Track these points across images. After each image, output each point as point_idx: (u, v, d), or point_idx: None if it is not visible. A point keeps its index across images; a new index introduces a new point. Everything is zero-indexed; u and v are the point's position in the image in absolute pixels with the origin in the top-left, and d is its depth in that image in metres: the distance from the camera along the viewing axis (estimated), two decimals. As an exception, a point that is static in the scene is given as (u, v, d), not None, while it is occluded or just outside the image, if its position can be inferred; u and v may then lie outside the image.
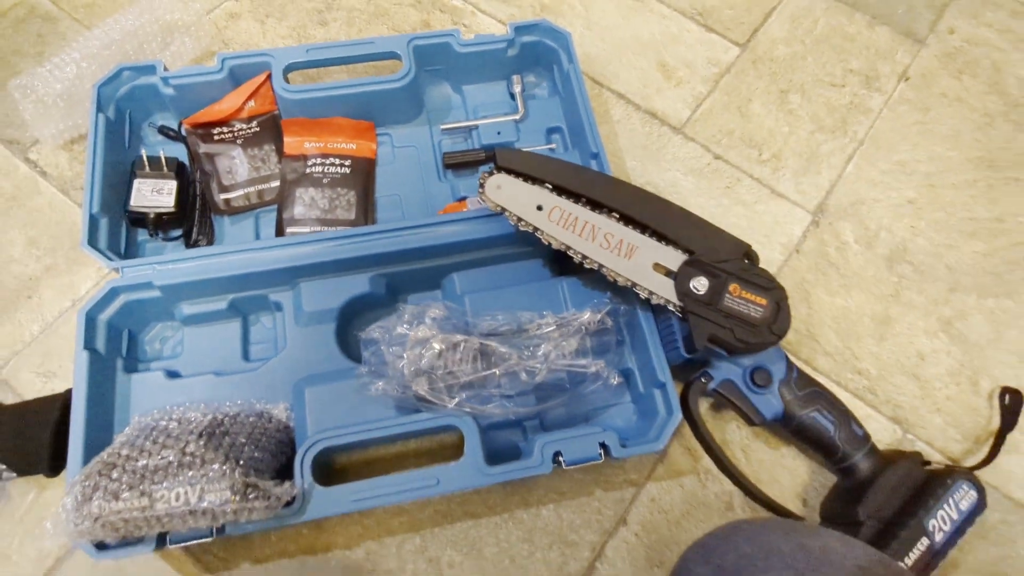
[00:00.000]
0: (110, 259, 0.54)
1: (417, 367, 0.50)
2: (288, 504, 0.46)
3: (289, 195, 0.62)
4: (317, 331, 0.55)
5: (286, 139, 0.63)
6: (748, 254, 0.51)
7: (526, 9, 0.77)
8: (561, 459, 0.49)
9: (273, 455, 0.49)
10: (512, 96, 0.68)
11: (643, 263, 0.51)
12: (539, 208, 0.52)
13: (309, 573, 0.52)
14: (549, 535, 0.54)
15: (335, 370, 0.53)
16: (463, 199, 0.63)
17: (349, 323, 0.57)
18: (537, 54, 0.67)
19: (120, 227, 0.58)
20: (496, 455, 0.50)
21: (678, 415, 0.51)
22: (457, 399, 0.51)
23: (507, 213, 0.52)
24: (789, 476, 0.57)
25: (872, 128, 0.73)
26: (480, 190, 0.53)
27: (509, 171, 0.52)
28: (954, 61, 0.77)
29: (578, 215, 0.51)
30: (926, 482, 0.50)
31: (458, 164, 0.65)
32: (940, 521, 0.48)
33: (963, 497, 0.49)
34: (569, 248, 0.51)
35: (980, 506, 0.50)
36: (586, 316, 0.53)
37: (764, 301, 0.49)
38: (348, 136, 0.64)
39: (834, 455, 0.53)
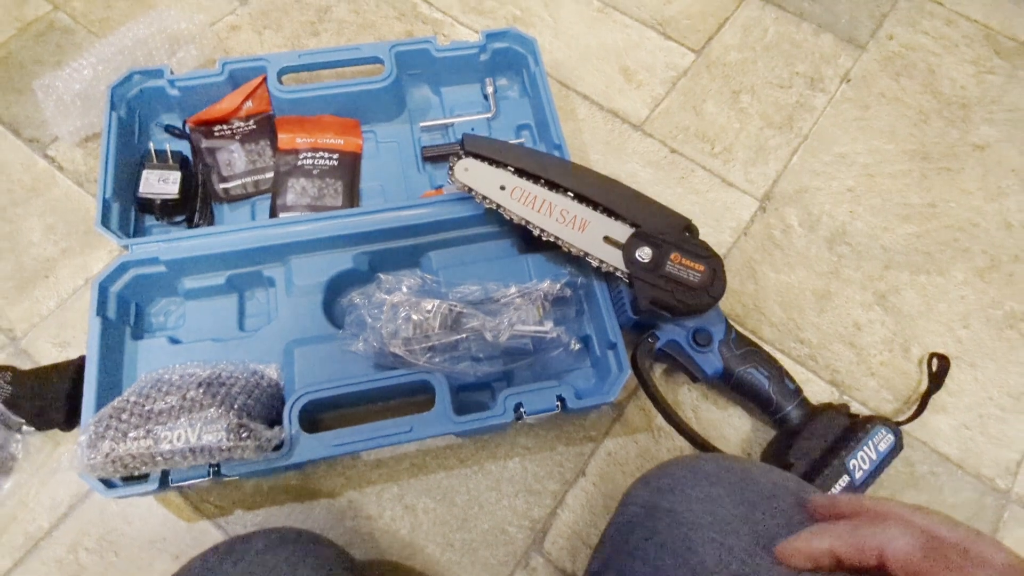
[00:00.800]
0: (120, 237, 0.60)
1: (394, 328, 0.56)
2: (277, 448, 0.52)
3: (282, 184, 0.69)
4: (306, 302, 0.61)
5: (280, 135, 0.70)
6: (688, 227, 0.57)
7: (500, 20, 0.85)
8: (522, 410, 0.55)
9: (265, 408, 0.54)
10: (485, 97, 0.75)
11: (595, 236, 0.57)
12: (502, 188, 0.58)
13: (297, 517, 0.57)
14: (515, 485, 0.59)
15: (321, 335, 0.59)
16: (440, 187, 0.69)
17: (335, 296, 0.63)
18: (508, 59, 0.74)
19: (130, 212, 0.65)
20: (467, 411, 0.56)
21: (627, 371, 0.56)
22: (430, 359, 0.57)
23: (474, 193, 0.59)
24: (735, 432, 0.63)
25: (816, 124, 0.80)
26: (449, 172, 0.59)
27: (476, 155, 0.59)
28: (892, 64, 0.84)
29: (536, 194, 0.58)
30: (849, 428, 0.56)
31: (436, 157, 0.71)
32: (860, 461, 0.54)
33: (881, 440, 0.55)
34: (528, 223, 0.58)
35: (897, 448, 0.55)
36: (545, 285, 0.59)
37: (702, 268, 0.55)
38: (336, 132, 0.71)
39: (769, 407, 0.58)
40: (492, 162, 0.59)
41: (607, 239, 0.57)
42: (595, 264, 0.57)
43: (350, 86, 0.69)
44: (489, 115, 0.73)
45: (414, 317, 0.57)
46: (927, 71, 0.84)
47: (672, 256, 0.55)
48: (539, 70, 0.71)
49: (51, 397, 0.58)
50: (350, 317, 0.58)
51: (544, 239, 0.58)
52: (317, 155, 0.70)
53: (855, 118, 0.80)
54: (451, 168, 0.60)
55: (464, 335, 0.58)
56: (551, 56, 0.82)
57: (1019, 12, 0.88)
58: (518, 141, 0.73)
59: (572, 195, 0.58)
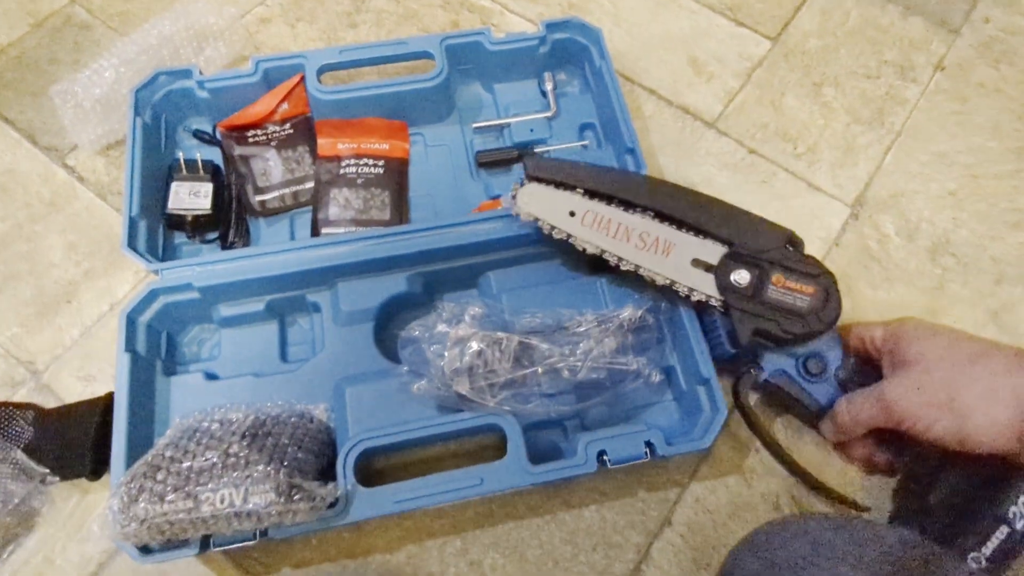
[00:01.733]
0: (149, 261, 0.54)
1: (458, 366, 0.50)
2: (331, 506, 0.46)
3: (324, 196, 0.62)
4: (355, 331, 0.55)
5: (319, 140, 0.63)
6: (792, 240, 0.49)
7: (554, 8, 0.77)
8: (606, 458, 0.48)
9: (315, 456, 0.48)
10: (544, 94, 0.67)
11: (681, 260, 0.50)
12: (572, 214, 0.51)
13: (350, 575, 0.51)
14: (592, 536, 0.53)
15: (374, 370, 0.53)
16: (497, 197, 0.63)
17: (387, 323, 0.57)
18: (568, 51, 0.67)
19: (158, 230, 0.59)
20: (538, 455, 0.49)
21: (723, 412, 0.50)
22: (498, 397, 0.50)
23: (540, 223, 0.52)
24: (838, 473, 0.55)
25: (909, 119, 0.71)
26: (512, 202, 0.53)
27: (539, 180, 0.52)
28: (991, 50, 0.75)
29: (611, 217, 0.51)
30: (1003, 467, 0.45)
31: (491, 163, 0.64)
32: (1021, 507, 0.42)
33: None
34: (604, 252, 0.51)
35: None
36: (626, 313, 0.53)
37: (811, 289, 0.48)
38: (381, 136, 0.64)
39: None
40: (559, 185, 0.52)
41: (696, 262, 0.50)
42: (683, 293, 0.50)
43: (396, 85, 0.62)
44: (549, 114, 0.66)
45: (478, 356, 0.51)
46: (1032, 57, 0.75)
47: (774, 279, 0.48)
48: (605, 63, 0.64)
49: (77, 441, 0.52)
50: (407, 351, 0.52)
51: (623, 268, 0.51)
52: (361, 162, 0.63)
53: (953, 112, 0.72)
54: (513, 196, 0.53)
55: (535, 368, 0.51)
56: (611, 47, 0.73)
57: None
58: (580, 144, 0.65)
59: (652, 214, 0.50)
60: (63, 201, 0.65)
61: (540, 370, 0.51)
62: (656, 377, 0.54)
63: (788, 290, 0.48)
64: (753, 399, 0.57)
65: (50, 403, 0.55)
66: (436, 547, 0.52)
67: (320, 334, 0.56)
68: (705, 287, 0.49)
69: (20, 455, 0.50)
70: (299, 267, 0.54)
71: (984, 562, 0.41)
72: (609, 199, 0.51)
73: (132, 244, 0.54)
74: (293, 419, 0.49)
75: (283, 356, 0.57)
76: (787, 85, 0.73)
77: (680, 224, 0.50)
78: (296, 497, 0.43)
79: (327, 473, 0.48)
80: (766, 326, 0.47)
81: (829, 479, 0.53)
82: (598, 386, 0.53)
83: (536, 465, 0.48)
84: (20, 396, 0.56)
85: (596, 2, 0.77)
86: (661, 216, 0.50)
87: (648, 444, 0.49)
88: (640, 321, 0.53)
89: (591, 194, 0.51)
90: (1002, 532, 0.42)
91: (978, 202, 0.67)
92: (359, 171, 0.63)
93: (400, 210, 0.62)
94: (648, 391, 0.55)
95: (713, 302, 0.49)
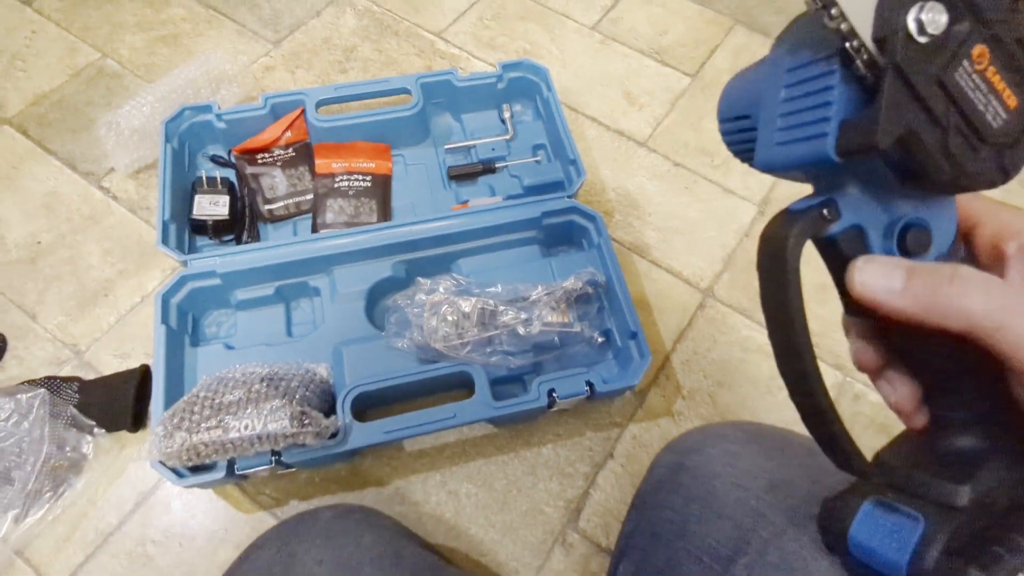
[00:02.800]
0: (180, 254, 0.66)
1: (434, 325, 0.62)
2: (333, 436, 0.56)
3: (321, 205, 0.75)
4: (349, 308, 0.67)
5: (317, 161, 0.77)
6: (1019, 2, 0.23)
7: (511, 54, 0.93)
8: (555, 395, 0.60)
9: (320, 400, 0.59)
10: (503, 121, 0.82)
11: None
12: None
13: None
14: (549, 469, 0.64)
15: (366, 335, 0.65)
16: (465, 202, 0.76)
17: (376, 302, 0.69)
18: (522, 87, 0.82)
19: (184, 233, 0.70)
20: (500, 400, 0.61)
21: (648, 356, 0.62)
22: (466, 351, 0.62)
23: None
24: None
25: (804, 136, 0.87)
26: None
27: None
28: (870, 81, 0.92)
29: None
30: None
31: (460, 176, 0.78)
32: None
33: None
34: None
35: None
36: (569, 282, 0.65)
37: (1015, 102, 0.23)
38: (368, 156, 0.78)
39: None
40: None
41: None
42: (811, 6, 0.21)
43: (381, 115, 0.76)
44: (507, 137, 0.80)
45: (450, 317, 0.63)
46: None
47: (977, 52, 0.22)
48: (552, 95, 0.78)
49: (118, 401, 0.62)
50: (393, 317, 0.64)
51: None
52: (352, 177, 0.76)
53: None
54: None
55: (498, 331, 0.63)
56: (560, 84, 0.89)
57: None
58: (533, 160, 0.79)
59: None
60: (100, 216, 0.77)
61: (500, 331, 0.63)
62: (599, 339, 0.67)
63: (986, 82, 0.22)
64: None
65: (91, 377, 0.66)
66: (420, 480, 0.63)
67: (320, 313, 0.68)
68: (858, 7, 0.21)
69: (72, 410, 0.60)
70: (303, 256, 0.66)
71: None
72: None
73: (165, 241, 0.66)
74: (301, 371, 0.60)
75: (289, 332, 0.68)
76: (704, 111, 0.88)
77: None
78: (306, 422, 0.54)
79: (328, 416, 0.59)
80: (929, 134, 0.22)
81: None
82: (550, 346, 0.66)
83: (499, 402, 0.59)
84: (64, 372, 0.67)
85: (546, 48, 0.93)
86: None
87: (588, 383, 0.61)
88: (581, 290, 0.66)
89: None
90: None
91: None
92: (350, 185, 0.76)
93: (385, 215, 0.75)
94: (592, 351, 0.67)
95: (856, 46, 0.21)
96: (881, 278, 0.25)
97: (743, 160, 0.28)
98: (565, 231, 0.73)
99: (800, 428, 0.27)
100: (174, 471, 0.55)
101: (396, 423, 0.58)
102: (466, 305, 0.62)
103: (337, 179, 0.76)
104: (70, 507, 0.60)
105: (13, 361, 0.67)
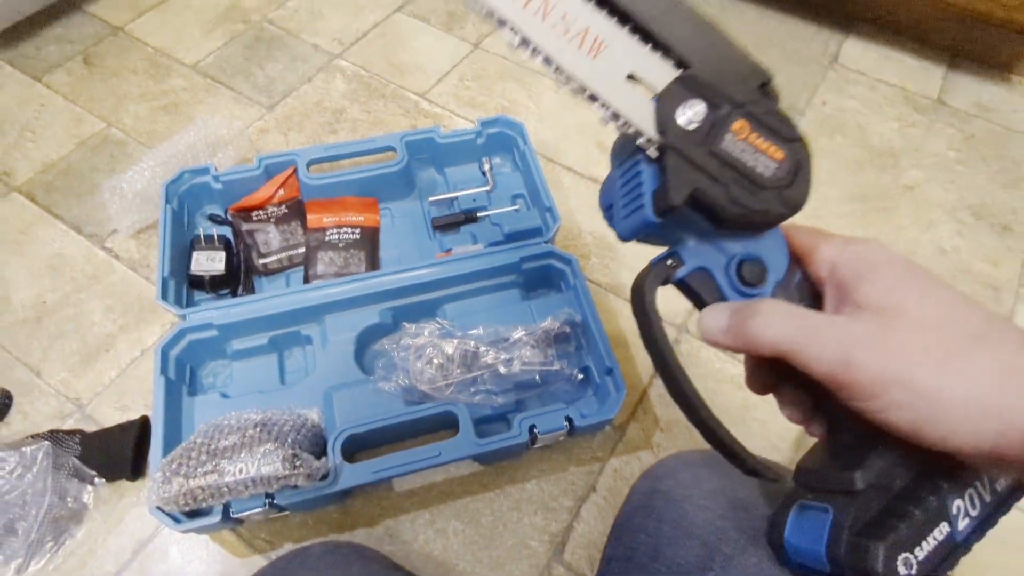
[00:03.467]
0: (179, 308, 0.69)
1: (420, 368, 0.65)
2: (323, 478, 0.59)
3: (312, 257, 0.79)
4: (339, 354, 0.70)
5: (309, 216, 0.81)
6: (766, 87, 0.33)
7: (491, 111, 0.99)
8: (536, 431, 0.63)
9: (311, 444, 0.62)
10: (483, 173, 0.87)
11: (613, 68, 0.33)
12: None
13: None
14: (534, 503, 0.66)
15: (355, 380, 0.68)
16: (449, 250, 0.80)
17: (364, 348, 0.72)
18: (500, 141, 0.87)
19: (183, 288, 0.74)
20: (486, 438, 0.64)
21: (623, 391, 0.65)
22: (451, 392, 0.65)
23: None
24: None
25: (768, 178, 0.92)
26: None
27: None
28: (828, 125, 0.98)
29: None
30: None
31: (444, 225, 0.82)
32: (968, 502, 0.30)
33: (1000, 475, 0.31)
34: (505, 23, 0.34)
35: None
36: (547, 322, 0.69)
37: (780, 154, 0.31)
38: (357, 211, 0.83)
39: None
40: None
41: (633, 78, 0.33)
42: (604, 116, 0.32)
43: (369, 171, 0.82)
44: (488, 188, 0.85)
45: (434, 360, 0.66)
46: (857, 128, 0.98)
47: (736, 126, 0.31)
48: (528, 148, 0.84)
49: (118, 452, 0.65)
50: (381, 361, 0.67)
51: (524, 54, 0.34)
52: (341, 231, 0.81)
53: (801, 171, 0.93)
54: None
55: (481, 371, 0.67)
56: (536, 136, 0.95)
57: (928, 76, 1.04)
58: (512, 209, 0.84)
59: None
60: (102, 274, 0.81)
61: (483, 372, 0.67)
62: (577, 376, 0.70)
63: (751, 146, 0.32)
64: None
65: (93, 429, 0.69)
66: (409, 520, 0.65)
67: (312, 360, 0.71)
68: (638, 113, 0.32)
69: (75, 461, 0.63)
70: (296, 306, 0.70)
71: (915, 568, 0.28)
72: None
73: (164, 296, 0.70)
74: (293, 417, 0.63)
75: (282, 379, 0.71)
76: (673, 158, 0.94)
77: (624, 19, 0.33)
78: (297, 464, 0.57)
79: (319, 458, 0.62)
80: (711, 188, 0.30)
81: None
82: (531, 385, 0.69)
83: (482, 439, 0.62)
84: (67, 425, 0.69)
85: (523, 104, 1.00)
86: (603, 1, 0.34)
87: (568, 418, 0.63)
88: (559, 329, 0.69)
89: None
90: (942, 531, 0.30)
91: (824, 235, 0.87)
92: (340, 237, 0.81)
93: (373, 264, 0.80)
94: (572, 388, 0.70)
95: (644, 140, 0.32)
96: (712, 321, 0.31)
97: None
98: (543, 275, 0.77)
99: (764, 453, 0.32)
100: (171, 516, 0.57)
101: (384, 463, 0.60)
102: (450, 347, 0.66)
103: (328, 233, 0.81)
104: (70, 556, 0.62)
105: (18, 416, 0.70)
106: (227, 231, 0.81)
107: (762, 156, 0.31)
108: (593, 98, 0.34)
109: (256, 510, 0.58)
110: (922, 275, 0.28)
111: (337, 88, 1.00)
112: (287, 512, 0.61)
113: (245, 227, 0.81)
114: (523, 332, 0.69)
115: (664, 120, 0.31)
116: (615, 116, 0.32)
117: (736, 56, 0.32)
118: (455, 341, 0.66)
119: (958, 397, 0.25)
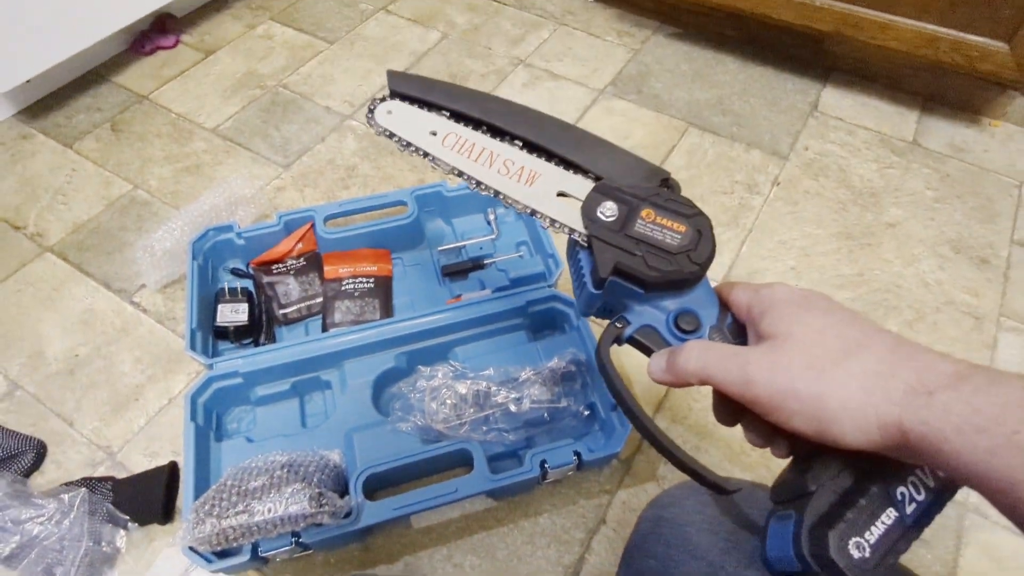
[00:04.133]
0: (206, 358, 0.74)
1: (434, 409, 0.69)
2: (347, 516, 0.62)
3: (330, 306, 0.84)
4: (358, 398, 0.74)
5: (326, 268, 0.87)
6: (667, 182, 0.44)
7: (493, 164, 1.05)
8: (546, 465, 0.66)
9: (334, 483, 0.65)
10: (488, 223, 0.92)
11: (546, 190, 0.46)
12: (433, 134, 0.48)
13: (362, 583, 0.66)
14: (547, 537, 0.69)
15: (373, 422, 0.72)
16: (458, 296, 0.85)
17: (381, 391, 0.76)
18: (503, 192, 0.93)
19: (209, 339, 0.79)
20: (499, 474, 0.67)
21: (629, 426, 0.68)
22: (465, 430, 0.69)
23: (396, 139, 0.50)
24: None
25: (757, 219, 0.98)
26: (369, 115, 0.50)
27: (404, 97, 0.49)
28: (811, 168, 1.05)
29: (475, 141, 0.47)
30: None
31: (452, 273, 0.87)
32: (912, 488, 0.33)
33: None
34: (462, 174, 0.48)
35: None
36: (554, 362, 0.73)
37: (683, 228, 0.41)
38: (371, 261, 0.88)
39: None
40: (424, 104, 0.49)
41: (563, 195, 0.46)
42: (545, 224, 0.46)
43: (381, 224, 0.87)
44: (493, 236, 0.90)
45: (448, 400, 0.70)
46: (839, 170, 1.04)
47: (644, 213, 0.42)
48: (529, 198, 0.89)
49: (149, 497, 0.68)
50: (397, 403, 0.71)
51: (483, 192, 0.48)
52: (357, 280, 0.86)
53: (788, 212, 0.99)
54: (371, 111, 0.50)
55: (493, 410, 0.70)
56: (537, 187, 1.01)
57: (903, 120, 1.11)
58: (516, 255, 0.89)
59: (520, 143, 0.47)
60: (131, 327, 0.85)
61: (494, 411, 0.71)
62: (584, 412, 0.74)
63: (658, 225, 0.41)
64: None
65: (123, 475, 0.72)
66: (427, 555, 0.68)
67: (332, 403, 0.75)
68: (569, 217, 0.45)
69: (109, 506, 0.66)
70: (317, 353, 0.74)
71: (868, 550, 0.32)
72: (477, 124, 0.48)
73: (192, 347, 0.74)
74: (316, 458, 0.67)
75: (303, 423, 0.75)
76: (667, 203, 1.00)
77: (550, 156, 0.46)
78: (323, 502, 0.60)
79: (342, 497, 0.65)
80: (630, 261, 0.41)
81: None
82: (540, 422, 0.72)
83: (496, 475, 0.65)
84: (100, 472, 0.73)
85: (523, 158, 1.06)
86: (530, 147, 0.47)
87: (576, 453, 0.67)
88: (565, 369, 0.74)
89: (458, 117, 0.48)
90: (889, 516, 0.33)
91: (812, 272, 0.91)
92: (355, 287, 0.86)
93: (387, 312, 0.84)
94: (580, 424, 0.74)
95: (576, 236, 0.44)
96: (654, 364, 0.40)
97: None
98: (548, 317, 0.81)
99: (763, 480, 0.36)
100: (204, 556, 0.60)
101: (404, 500, 0.64)
102: (463, 388, 0.70)
103: (344, 283, 0.86)
104: (104, 600, 0.64)
105: (52, 465, 0.73)
106: (249, 283, 0.86)
107: (668, 231, 0.41)
108: (534, 213, 0.47)
109: (283, 549, 0.61)
110: (815, 305, 0.35)
111: (349, 146, 1.07)
112: (311, 551, 0.64)
113: (266, 279, 0.86)
114: (531, 372, 0.73)
115: (588, 219, 0.42)
116: (553, 222, 0.46)
117: (638, 164, 0.44)
118: (468, 382, 0.70)
119: (836, 402, 0.31)
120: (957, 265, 0.92)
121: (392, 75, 0.50)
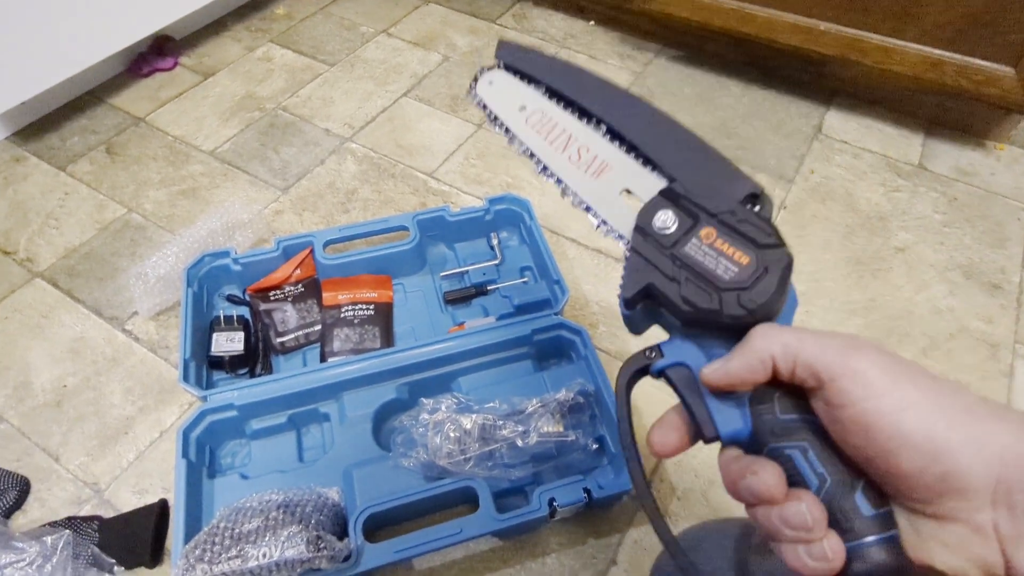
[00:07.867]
0: (200, 390, 0.71)
1: (438, 443, 0.66)
2: (346, 559, 0.59)
3: (329, 334, 0.81)
4: (358, 431, 0.71)
5: (324, 294, 0.84)
6: (756, 198, 0.35)
7: (496, 188, 1.04)
8: (555, 504, 0.63)
9: (332, 523, 0.62)
10: (491, 247, 0.90)
11: (611, 186, 0.40)
12: (522, 108, 0.45)
13: (361, 630, 0.62)
14: (555, 579, 0.66)
15: (374, 457, 0.69)
16: (461, 323, 0.82)
17: (382, 424, 0.73)
18: (507, 216, 0.91)
19: (203, 369, 0.76)
20: (504, 511, 0.64)
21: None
22: (470, 466, 0.66)
23: (487, 111, 0.47)
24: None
25: (765, 244, 0.96)
26: (472, 85, 0.47)
27: (510, 69, 0.46)
28: (817, 192, 1.03)
29: (558, 121, 0.43)
30: None
31: (455, 299, 0.85)
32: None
33: None
34: (533, 155, 0.44)
35: None
36: (561, 394, 0.70)
37: (746, 259, 0.33)
38: (371, 287, 0.85)
39: None
40: (524, 76, 0.45)
41: (628, 193, 0.40)
42: (595, 223, 0.41)
43: (382, 249, 0.85)
44: (496, 262, 0.88)
45: (452, 434, 0.67)
46: (846, 194, 1.03)
47: (704, 231, 0.34)
48: (534, 223, 0.88)
49: (137, 538, 0.65)
50: (399, 437, 0.68)
51: (546, 178, 0.44)
52: (356, 307, 0.83)
53: (796, 236, 0.97)
54: (475, 79, 0.47)
55: (498, 444, 0.68)
56: (541, 210, 0.99)
57: (909, 143, 1.10)
58: (520, 281, 0.87)
59: (605, 130, 0.41)
60: (122, 357, 0.82)
61: (500, 445, 0.68)
62: (593, 446, 0.71)
63: (715, 250, 0.33)
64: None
65: (110, 514, 0.69)
66: (430, 600, 0.64)
67: (330, 437, 0.72)
68: (619, 221, 0.39)
69: (94, 549, 0.63)
70: (313, 384, 0.72)
71: None
72: (569, 103, 0.43)
73: (186, 379, 0.71)
74: (314, 497, 0.63)
75: (300, 458, 0.72)
76: (672, 227, 0.98)
77: (631, 147, 0.40)
78: (321, 546, 0.57)
79: (341, 539, 0.62)
80: (663, 287, 0.34)
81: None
82: (548, 456, 0.70)
83: (502, 514, 0.62)
84: (85, 510, 0.69)
85: (527, 181, 1.04)
86: (614, 134, 0.40)
87: (586, 490, 0.64)
88: (573, 399, 0.71)
89: (553, 93, 0.44)
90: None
91: (822, 298, 0.90)
92: (355, 314, 0.83)
93: (388, 340, 0.82)
94: (588, 458, 0.71)
95: (622, 243, 0.38)
96: (710, 366, 0.33)
97: None
98: (555, 345, 0.79)
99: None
100: (194, 604, 0.57)
101: (406, 542, 0.61)
102: (467, 422, 0.67)
103: (343, 310, 0.83)
104: (87, 650, 0.60)
105: (36, 503, 0.70)
106: (245, 311, 0.83)
107: (724, 259, 0.33)
108: (588, 209, 0.41)
109: (278, 595, 0.57)
110: (919, 375, 0.29)
111: (348, 169, 1.05)
112: (308, 596, 0.61)
113: (263, 307, 0.83)
114: (538, 403, 0.70)
115: (638, 226, 0.35)
116: (603, 223, 0.40)
117: (723, 171, 0.36)
118: (472, 416, 0.67)
119: (957, 447, 0.27)
120: (969, 291, 0.90)
121: (502, 43, 0.45)
